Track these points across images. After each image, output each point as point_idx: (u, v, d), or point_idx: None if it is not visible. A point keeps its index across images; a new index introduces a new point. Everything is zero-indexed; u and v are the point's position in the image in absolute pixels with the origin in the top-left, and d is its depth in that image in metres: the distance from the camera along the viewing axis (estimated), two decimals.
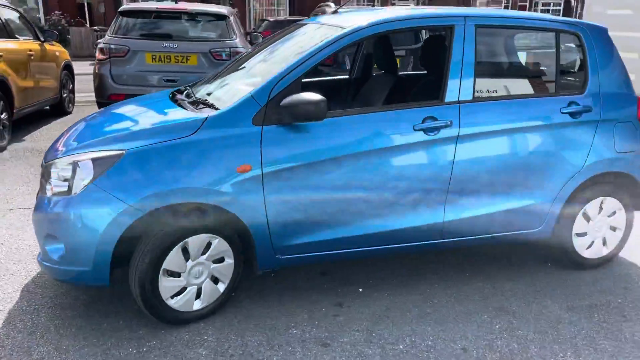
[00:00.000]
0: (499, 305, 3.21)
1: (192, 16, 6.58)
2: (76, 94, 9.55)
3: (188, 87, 3.66)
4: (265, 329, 2.89)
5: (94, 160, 2.67)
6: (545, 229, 3.47)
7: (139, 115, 3.22)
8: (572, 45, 3.48)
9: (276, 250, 2.96)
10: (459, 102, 3.12)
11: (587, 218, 3.56)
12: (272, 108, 2.81)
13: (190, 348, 2.70)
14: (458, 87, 3.12)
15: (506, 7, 35.05)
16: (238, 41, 6.56)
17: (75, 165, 2.70)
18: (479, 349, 2.76)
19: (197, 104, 3.12)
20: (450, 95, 3.12)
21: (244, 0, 30.06)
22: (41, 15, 26.73)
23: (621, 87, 3.52)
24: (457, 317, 3.05)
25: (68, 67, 8.98)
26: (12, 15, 7.60)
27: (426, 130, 3.04)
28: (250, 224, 2.84)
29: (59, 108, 8.60)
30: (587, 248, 3.62)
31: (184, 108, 3.09)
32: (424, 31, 7.98)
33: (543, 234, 3.49)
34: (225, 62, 6.10)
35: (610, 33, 3.56)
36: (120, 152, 2.68)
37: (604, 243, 3.66)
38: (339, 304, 3.16)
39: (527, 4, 36.31)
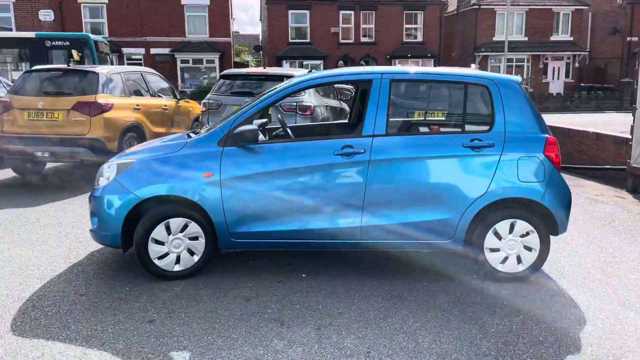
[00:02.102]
0: (398, 294, 4.06)
1: (270, 78, 8.28)
2: None
3: (208, 125, 5.16)
4: (215, 288, 4.13)
5: (118, 164, 4.27)
6: (456, 241, 4.23)
7: (162, 142, 4.78)
8: (483, 93, 4.29)
9: (231, 234, 4.23)
10: (373, 135, 4.16)
11: (499, 236, 4.23)
12: (231, 135, 4.16)
13: (161, 291, 4.06)
14: (373, 124, 4.17)
15: None
16: (305, 97, 8.07)
17: (111, 166, 4.31)
18: (351, 313, 3.70)
19: (196, 133, 4.59)
20: (367, 130, 4.18)
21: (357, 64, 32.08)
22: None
23: (528, 128, 4.22)
24: (356, 298, 3.97)
25: (199, 119, 11.28)
26: (158, 81, 10.09)
27: (343, 155, 4.13)
28: (212, 213, 4.17)
29: None
30: (502, 263, 4.26)
31: (189, 137, 4.58)
32: None
33: (455, 245, 4.26)
34: (291, 113, 7.70)
35: None
36: (133, 160, 4.24)
37: (519, 261, 4.26)
38: (280, 282, 4.29)
39: None
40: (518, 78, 4.39)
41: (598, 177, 8.91)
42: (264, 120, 5.38)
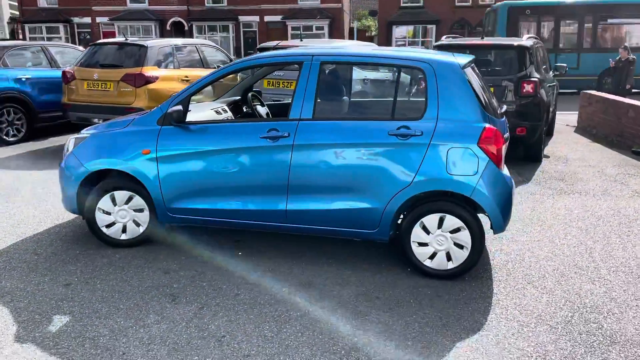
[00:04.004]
0: (310, 281, 4.01)
1: None
2: None
3: None
4: (149, 259, 4.40)
5: (75, 138, 4.66)
6: (381, 232, 4.06)
7: (121, 119, 5.06)
8: (417, 77, 3.98)
9: (168, 209, 4.45)
10: (299, 119, 4.09)
11: (427, 230, 3.97)
12: (167, 114, 4.33)
13: (102, 258, 4.43)
14: (300, 107, 4.09)
15: None
16: None
17: (71, 141, 4.72)
18: (245, 297, 3.75)
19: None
20: (294, 113, 4.11)
21: None
22: None
23: (466, 117, 3.85)
24: (265, 280, 4.01)
25: None
26: (216, 53, 10.52)
27: (268, 138, 4.12)
28: (149, 188, 4.41)
29: None
30: (430, 258, 4.01)
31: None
32: None
33: (380, 236, 4.08)
34: None
35: None
36: (87, 135, 4.60)
37: (449, 258, 3.98)
38: (211, 258, 4.45)
39: None
40: (461, 61, 3.99)
41: None
42: (237, 97, 5.48)
